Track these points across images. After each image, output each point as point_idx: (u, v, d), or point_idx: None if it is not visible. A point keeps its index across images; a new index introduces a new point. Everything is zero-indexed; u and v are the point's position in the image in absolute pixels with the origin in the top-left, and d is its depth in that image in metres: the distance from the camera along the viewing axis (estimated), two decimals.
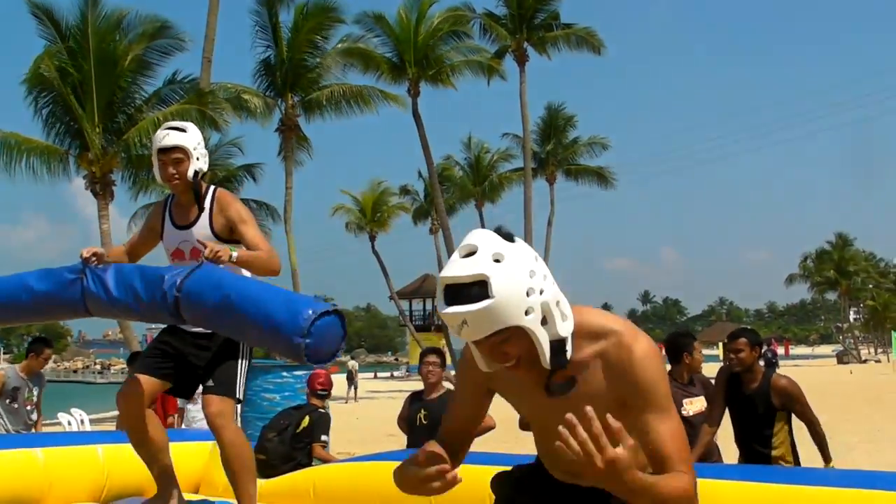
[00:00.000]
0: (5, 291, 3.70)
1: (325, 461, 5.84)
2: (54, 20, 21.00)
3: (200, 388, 3.90)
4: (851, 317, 68.20)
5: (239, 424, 5.22)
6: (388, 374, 55.12)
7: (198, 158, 3.84)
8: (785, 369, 23.94)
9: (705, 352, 5.61)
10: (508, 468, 2.41)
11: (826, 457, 5.13)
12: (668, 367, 5.41)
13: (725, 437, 5.36)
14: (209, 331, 3.76)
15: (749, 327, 5.54)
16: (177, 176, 3.80)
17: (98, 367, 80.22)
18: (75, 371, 72.11)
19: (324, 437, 6.23)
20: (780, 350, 51.10)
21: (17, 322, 4.31)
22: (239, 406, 5.26)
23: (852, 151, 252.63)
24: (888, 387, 27.54)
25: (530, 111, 34.09)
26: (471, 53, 31.96)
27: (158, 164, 3.85)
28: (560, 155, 40.51)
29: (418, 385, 6.62)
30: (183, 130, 3.87)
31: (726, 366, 5.26)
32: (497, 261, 1.85)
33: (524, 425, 4.42)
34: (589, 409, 1.68)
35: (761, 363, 5.27)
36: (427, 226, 43.99)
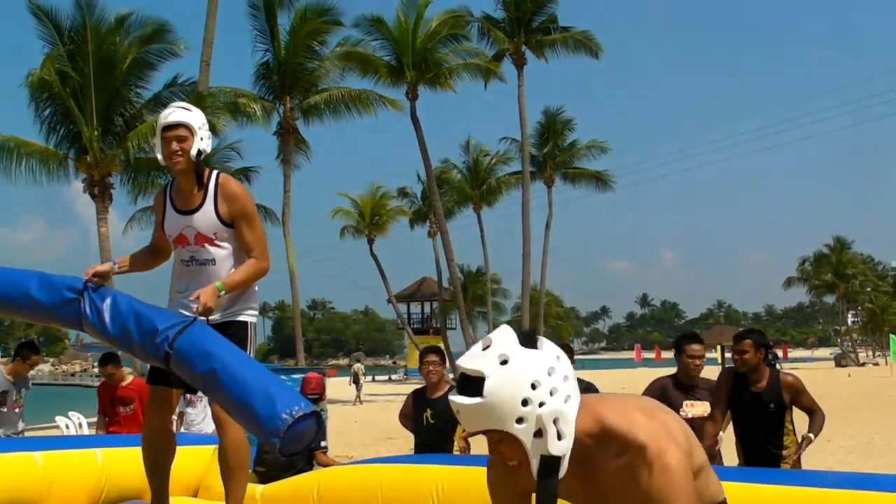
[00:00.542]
0: (6, 294, 3.73)
1: (328, 466, 5.83)
2: (54, 21, 21.03)
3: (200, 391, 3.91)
4: (849, 320, 68.03)
5: None
6: (386, 378, 54.96)
7: (202, 139, 3.83)
8: None
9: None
10: None
11: (815, 430, 5.10)
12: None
13: (725, 438, 5.35)
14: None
15: (756, 328, 5.52)
16: (180, 153, 3.78)
17: (96, 370, 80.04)
18: (73, 374, 71.90)
19: (323, 443, 6.22)
20: (779, 353, 50.91)
21: (17, 318, 4.33)
22: None
23: (851, 154, 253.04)
24: (886, 390, 27.58)
25: (528, 114, 34.23)
26: (469, 57, 32.01)
27: (162, 141, 3.84)
28: (558, 158, 40.51)
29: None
30: (188, 110, 3.89)
31: (729, 367, 5.25)
32: (503, 363, 1.86)
33: None
34: None
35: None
36: (425, 229, 43.94)
